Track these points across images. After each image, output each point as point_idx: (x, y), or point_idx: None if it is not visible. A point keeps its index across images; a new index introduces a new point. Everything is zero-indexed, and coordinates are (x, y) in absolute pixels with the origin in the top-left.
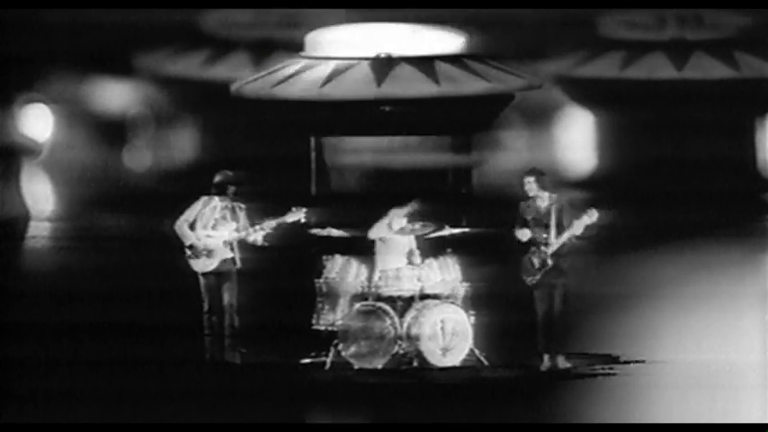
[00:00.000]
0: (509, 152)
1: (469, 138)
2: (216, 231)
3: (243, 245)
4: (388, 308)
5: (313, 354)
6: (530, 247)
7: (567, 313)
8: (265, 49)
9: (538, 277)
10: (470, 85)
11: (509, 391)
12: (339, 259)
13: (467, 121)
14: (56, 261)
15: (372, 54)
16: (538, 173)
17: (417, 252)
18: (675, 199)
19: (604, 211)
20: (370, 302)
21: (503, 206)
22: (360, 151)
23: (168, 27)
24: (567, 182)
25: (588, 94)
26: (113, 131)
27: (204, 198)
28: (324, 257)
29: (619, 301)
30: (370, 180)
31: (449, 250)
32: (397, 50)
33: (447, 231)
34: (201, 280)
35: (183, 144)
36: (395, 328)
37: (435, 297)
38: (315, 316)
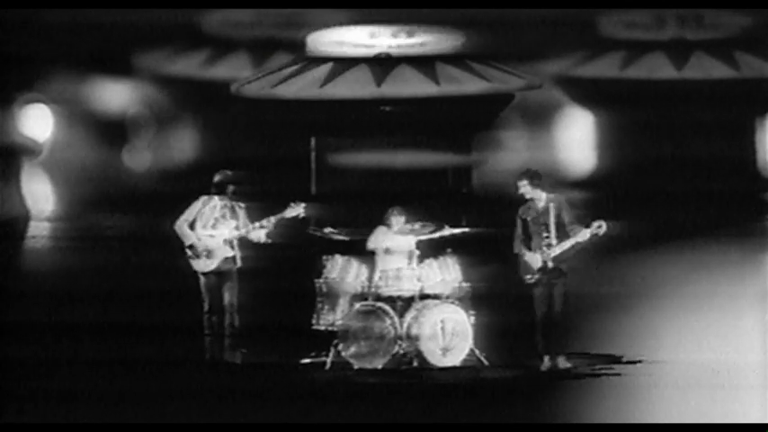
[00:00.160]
0: (509, 152)
1: (469, 138)
2: (216, 230)
3: (243, 243)
4: (388, 308)
5: (313, 354)
6: (530, 246)
7: (566, 313)
8: (265, 49)
9: (538, 276)
10: (470, 85)
11: (509, 391)
12: (339, 259)
13: (467, 121)
14: (56, 261)
15: (372, 54)
16: (530, 174)
17: (417, 252)
18: (675, 199)
19: (604, 211)
20: (370, 302)
21: (503, 206)
22: (360, 151)
23: (168, 27)
24: (567, 182)
25: (588, 94)
26: (113, 131)
27: (204, 198)
28: (324, 257)
29: (619, 301)
30: (370, 180)
31: (449, 250)
32: (397, 50)
33: (447, 231)
34: (202, 280)
35: (183, 144)
36: (395, 328)
37: (435, 297)
38: (315, 316)
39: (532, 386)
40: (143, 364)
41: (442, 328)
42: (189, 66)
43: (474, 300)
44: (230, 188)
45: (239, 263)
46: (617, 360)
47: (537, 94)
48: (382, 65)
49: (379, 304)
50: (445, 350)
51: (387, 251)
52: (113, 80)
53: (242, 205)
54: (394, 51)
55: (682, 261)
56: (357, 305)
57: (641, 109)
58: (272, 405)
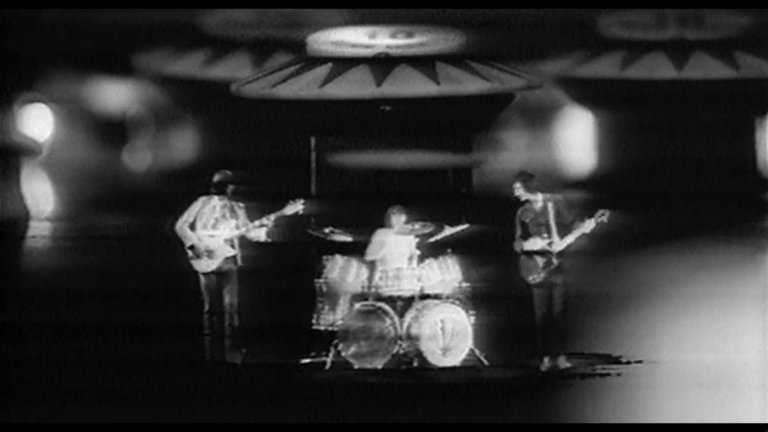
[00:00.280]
0: (509, 152)
1: (469, 138)
2: (216, 230)
3: (244, 242)
4: (388, 308)
5: (313, 354)
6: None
7: (567, 313)
8: (265, 49)
9: (542, 276)
10: (470, 85)
11: (509, 391)
12: (339, 259)
13: (467, 121)
14: (56, 261)
15: (372, 54)
16: (524, 177)
17: (417, 252)
18: (675, 199)
19: (604, 210)
20: (370, 302)
21: (503, 206)
22: (360, 151)
23: (168, 27)
24: (567, 182)
25: (588, 94)
26: (113, 131)
27: (203, 198)
28: (324, 257)
29: (619, 301)
30: (370, 180)
31: (449, 250)
32: (397, 50)
33: (447, 231)
34: (202, 280)
35: (183, 144)
36: (395, 328)
37: (435, 297)
38: (315, 316)
39: (532, 386)
40: (143, 365)
41: (442, 328)
42: (189, 66)
43: (474, 300)
44: (230, 188)
45: (240, 262)
46: (617, 360)
47: (537, 94)
48: (382, 65)
49: (379, 304)
50: (445, 350)
51: (387, 251)
52: (113, 80)
53: (242, 205)
54: (393, 51)
55: (682, 261)
56: (357, 305)
57: (641, 109)
58: (272, 405)
